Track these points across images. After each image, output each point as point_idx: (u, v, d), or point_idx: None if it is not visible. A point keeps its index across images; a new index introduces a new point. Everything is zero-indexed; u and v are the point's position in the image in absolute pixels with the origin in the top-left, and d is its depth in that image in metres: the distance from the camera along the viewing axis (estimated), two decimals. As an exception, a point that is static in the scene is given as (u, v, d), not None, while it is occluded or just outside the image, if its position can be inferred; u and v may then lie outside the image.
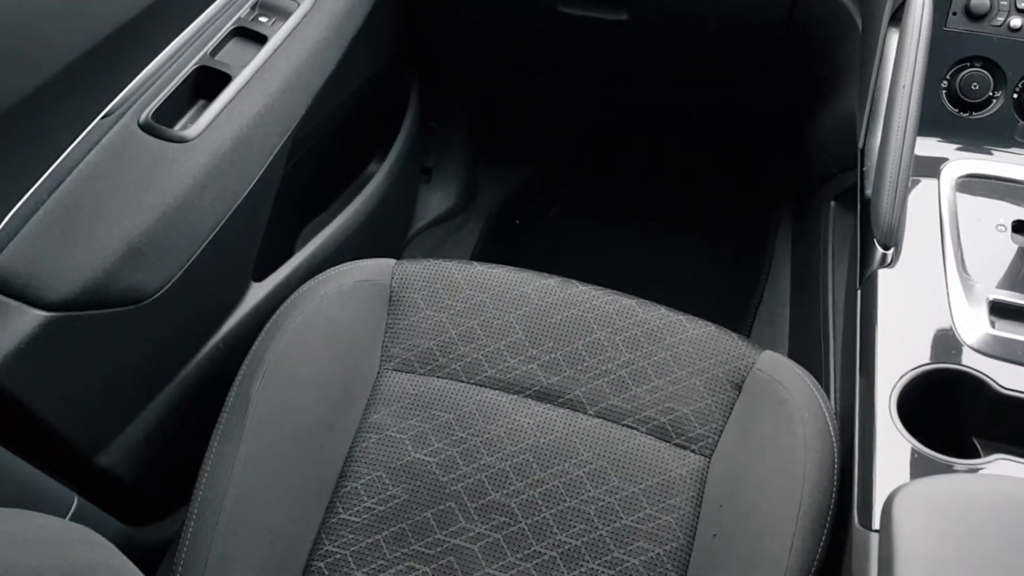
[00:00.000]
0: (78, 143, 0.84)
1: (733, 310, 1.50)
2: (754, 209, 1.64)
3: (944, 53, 0.94)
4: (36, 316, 0.76)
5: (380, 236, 1.44)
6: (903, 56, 0.87)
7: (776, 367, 0.89)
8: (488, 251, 1.65)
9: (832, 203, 1.19)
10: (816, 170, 1.29)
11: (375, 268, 0.99)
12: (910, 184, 0.89)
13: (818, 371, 1.05)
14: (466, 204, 1.71)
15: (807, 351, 1.17)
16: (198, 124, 0.91)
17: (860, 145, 0.95)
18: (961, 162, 0.91)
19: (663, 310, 0.95)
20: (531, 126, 1.76)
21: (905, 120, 0.85)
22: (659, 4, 1.22)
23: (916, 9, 0.88)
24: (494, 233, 1.69)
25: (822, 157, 1.25)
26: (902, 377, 0.75)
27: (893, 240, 0.83)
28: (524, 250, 1.67)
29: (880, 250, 0.84)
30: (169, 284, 0.87)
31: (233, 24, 0.99)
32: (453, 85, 1.61)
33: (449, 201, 1.68)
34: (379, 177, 1.37)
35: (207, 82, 0.95)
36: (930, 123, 0.94)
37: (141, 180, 0.85)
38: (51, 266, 0.78)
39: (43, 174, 0.81)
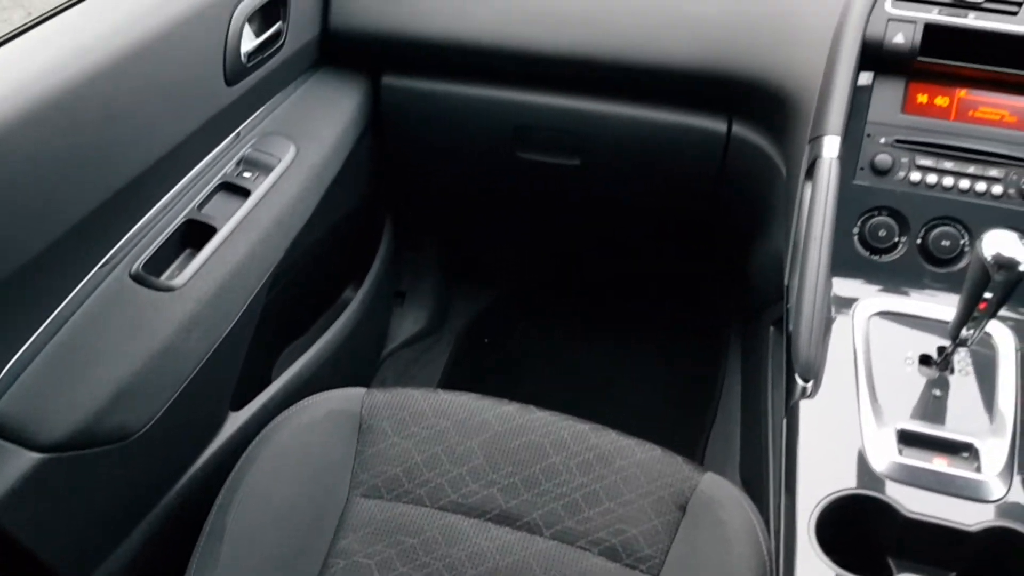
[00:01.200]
0: (75, 293, 0.93)
1: (690, 427, 1.58)
2: (709, 328, 1.74)
3: (855, 203, 1.05)
4: (30, 458, 0.83)
5: (355, 359, 1.52)
6: (815, 209, 0.98)
7: (716, 489, 0.97)
8: (458, 370, 1.73)
9: (772, 328, 1.29)
10: (757, 296, 1.40)
11: (346, 397, 1.06)
12: (830, 320, 0.99)
13: (760, 490, 1.12)
14: (438, 325, 1.80)
15: (753, 470, 1.25)
16: (185, 273, 1.00)
17: (786, 282, 1.05)
18: (873, 300, 1.01)
19: (614, 435, 1.02)
20: (498, 252, 1.87)
21: (817, 267, 0.95)
22: (607, 152, 1.34)
23: (824, 169, 1.00)
24: (464, 352, 1.77)
25: (760, 285, 1.36)
26: (820, 502, 0.83)
27: (812, 373, 0.92)
28: (492, 368, 1.75)
29: (801, 382, 0.93)
30: (153, 421, 0.95)
31: (219, 180, 1.10)
32: (425, 218, 1.73)
33: (421, 322, 1.77)
34: (355, 303, 1.46)
35: (194, 233, 1.04)
36: (846, 265, 1.04)
37: (131, 327, 0.94)
38: (46, 410, 0.86)
39: (44, 322, 0.89)
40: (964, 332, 0.89)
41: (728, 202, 1.36)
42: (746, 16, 1.16)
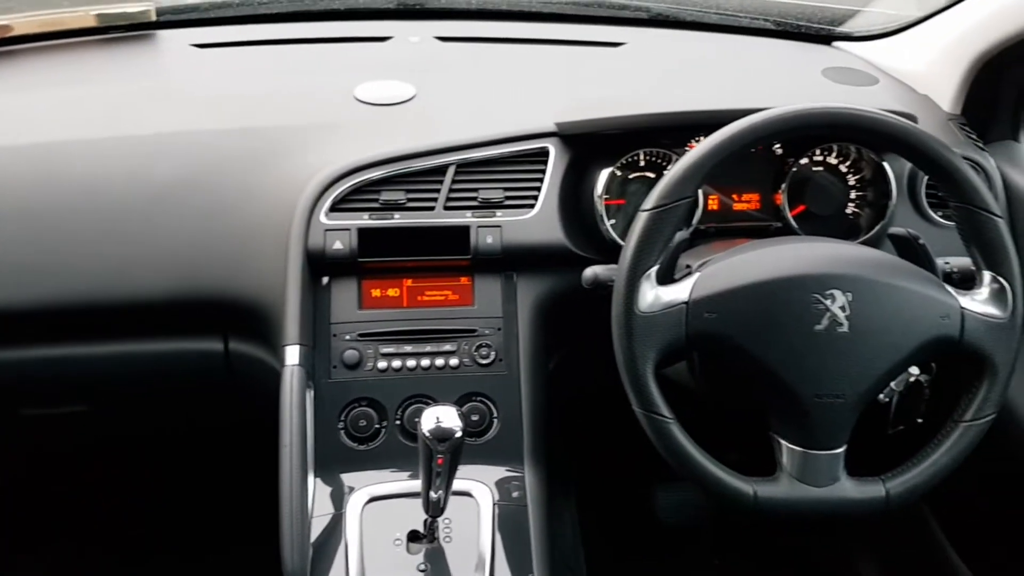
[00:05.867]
0: None
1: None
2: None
3: (334, 400, 1.10)
4: None
5: None
6: (283, 418, 1.01)
7: None
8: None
9: None
10: None
11: None
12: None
13: None
14: None
15: None
16: None
17: None
18: (365, 490, 1.05)
19: None
20: (51, 515, 1.70)
21: (290, 474, 0.97)
22: (114, 391, 1.29)
23: (287, 378, 1.03)
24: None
25: None
26: None
27: None
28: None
29: None
30: None
31: None
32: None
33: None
34: None
35: None
36: (338, 460, 1.08)
37: None
38: None
39: None
40: (433, 496, 0.95)
41: (253, 417, 1.36)
42: (209, 240, 1.18)
